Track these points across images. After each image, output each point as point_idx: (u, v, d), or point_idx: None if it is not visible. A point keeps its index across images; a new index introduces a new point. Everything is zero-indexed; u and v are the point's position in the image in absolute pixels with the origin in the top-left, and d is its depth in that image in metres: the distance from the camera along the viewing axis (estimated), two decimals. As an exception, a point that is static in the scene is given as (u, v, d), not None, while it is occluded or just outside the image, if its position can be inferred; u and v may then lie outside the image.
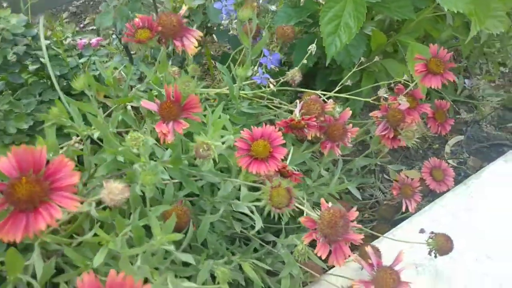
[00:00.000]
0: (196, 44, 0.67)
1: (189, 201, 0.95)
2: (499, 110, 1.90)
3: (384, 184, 1.48)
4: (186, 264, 0.87)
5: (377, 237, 1.06)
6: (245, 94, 1.10)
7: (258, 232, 1.07)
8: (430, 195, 1.26)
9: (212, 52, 1.67)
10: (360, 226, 0.71)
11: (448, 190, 1.17)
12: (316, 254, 0.74)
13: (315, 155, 1.20)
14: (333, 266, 0.97)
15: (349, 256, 0.72)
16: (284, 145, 0.76)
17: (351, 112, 0.89)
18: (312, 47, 0.86)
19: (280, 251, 0.94)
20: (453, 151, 1.72)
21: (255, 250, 1.01)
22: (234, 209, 0.82)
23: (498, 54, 1.90)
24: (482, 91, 1.88)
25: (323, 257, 0.70)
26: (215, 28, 1.37)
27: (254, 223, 1.08)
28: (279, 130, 0.75)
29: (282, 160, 0.75)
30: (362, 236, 0.74)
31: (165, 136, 0.70)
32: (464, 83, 1.90)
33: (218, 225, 1.00)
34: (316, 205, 0.86)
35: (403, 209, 1.08)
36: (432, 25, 1.38)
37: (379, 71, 1.33)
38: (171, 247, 0.67)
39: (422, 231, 1.06)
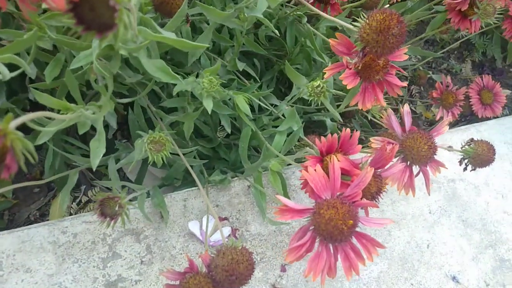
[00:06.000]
0: None
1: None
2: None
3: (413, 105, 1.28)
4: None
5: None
6: None
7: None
8: (468, 118, 1.06)
9: None
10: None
11: (491, 118, 0.97)
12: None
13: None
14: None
15: (380, 102, 0.54)
16: None
17: None
18: None
19: (283, 109, 0.76)
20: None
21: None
22: (246, 14, 0.62)
23: None
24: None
25: (349, 87, 0.51)
26: None
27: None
28: None
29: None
30: (404, 84, 0.56)
31: None
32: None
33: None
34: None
35: (437, 118, 0.90)
36: None
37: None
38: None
39: (449, 149, 0.88)
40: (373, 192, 0.48)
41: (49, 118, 0.57)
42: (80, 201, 0.96)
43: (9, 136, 0.28)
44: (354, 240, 0.43)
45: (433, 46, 1.44)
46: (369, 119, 0.70)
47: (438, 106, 0.91)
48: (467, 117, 1.07)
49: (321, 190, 0.43)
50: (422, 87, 1.36)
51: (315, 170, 0.44)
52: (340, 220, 0.40)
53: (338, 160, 0.46)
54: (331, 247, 0.43)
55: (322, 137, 0.50)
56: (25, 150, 0.30)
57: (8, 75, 0.45)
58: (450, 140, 0.93)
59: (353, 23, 0.48)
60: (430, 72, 1.46)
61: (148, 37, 0.42)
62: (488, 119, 0.97)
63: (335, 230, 0.40)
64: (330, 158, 0.43)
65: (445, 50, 1.09)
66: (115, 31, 0.27)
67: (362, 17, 0.47)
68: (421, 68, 1.11)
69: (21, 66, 0.45)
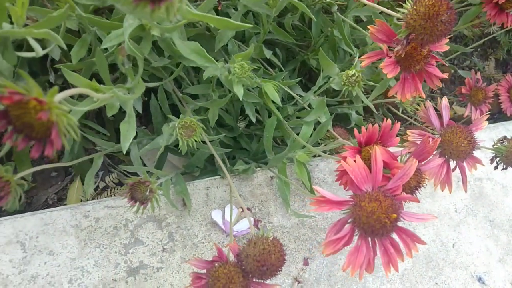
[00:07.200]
0: None
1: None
2: None
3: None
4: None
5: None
6: None
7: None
8: (496, 117, 1.03)
9: None
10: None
11: (520, 117, 0.94)
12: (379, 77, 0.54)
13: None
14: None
15: (420, 93, 0.52)
16: None
17: None
18: None
19: (311, 99, 0.74)
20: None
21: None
22: None
23: None
24: None
25: (389, 76, 0.49)
26: None
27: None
28: None
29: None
30: (444, 76, 0.53)
31: None
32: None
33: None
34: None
35: (465, 114, 0.87)
36: None
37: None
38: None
39: (477, 147, 0.86)
40: (412, 187, 0.46)
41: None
42: (98, 186, 0.96)
43: (54, 110, 0.27)
44: (393, 235, 0.42)
45: (455, 43, 1.41)
46: (400, 110, 0.68)
47: (465, 103, 0.88)
48: (495, 115, 1.04)
49: (361, 182, 0.41)
50: (444, 84, 1.33)
51: (354, 161, 0.42)
52: (383, 214, 0.39)
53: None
54: (370, 241, 0.41)
55: (363, 128, 0.48)
56: (69, 126, 0.28)
57: (41, 51, 0.44)
58: (477, 137, 0.90)
59: (397, 8, 0.46)
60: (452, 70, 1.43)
61: (187, 16, 0.40)
62: (517, 117, 0.94)
63: (377, 224, 0.39)
64: (372, 149, 0.41)
65: (473, 46, 1.06)
66: (170, 1, 0.25)
67: (408, 2, 0.45)
68: (446, 63, 1.08)
69: (55, 42, 0.43)
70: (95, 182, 0.96)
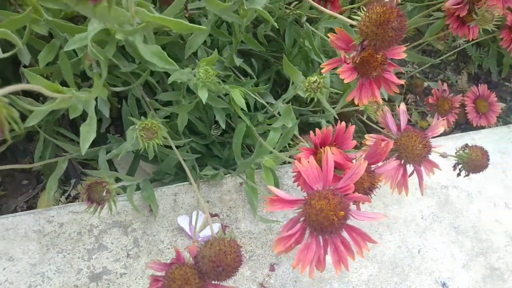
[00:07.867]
0: None
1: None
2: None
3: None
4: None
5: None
6: None
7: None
8: (463, 127, 1.06)
9: None
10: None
11: (485, 127, 0.98)
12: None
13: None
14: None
15: (377, 99, 0.54)
16: None
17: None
18: None
19: (279, 106, 0.75)
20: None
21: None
22: (246, 7, 0.61)
23: None
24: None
25: (346, 81, 0.51)
26: None
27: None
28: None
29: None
30: (401, 82, 0.55)
31: None
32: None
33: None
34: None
35: (432, 124, 0.89)
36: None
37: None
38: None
39: (443, 155, 0.88)
40: (365, 188, 0.47)
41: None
42: (69, 195, 0.95)
43: (-6, 102, 0.27)
44: (345, 234, 0.43)
45: (430, 57, 1.45)
46: (365, 117, 0.70)
47: (433, 113, 0.91)
48: (462, 126, 1.07)
49: (313, 181, 0.42)
50: (418, 96, 1.36)
51: (308, 161, 0.43)
52: (331, 211, 0.39)
53: (332, 153, 0.45)
54: (321, 240, 0.42)
55: (317, 129, 0.49)
56: (10, 118, 0.29)
57: (0, 54, 0.44)
58: (444, 146, 0.92)
59: (352, 16, 0.48)
60: (426, 83, 1.47)
61: (145, 18, 0.41)
62: (482, 128, 0.97)
63: (326, 221, 0.40)
64: (324, 149, 0.42)
65: (442, 58, 1.10)
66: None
67: (362, 10, 0.47)
68: (418, 75, 1.11)
69: (14, 42, 0.44)
70: (67, 190, 0.95)
